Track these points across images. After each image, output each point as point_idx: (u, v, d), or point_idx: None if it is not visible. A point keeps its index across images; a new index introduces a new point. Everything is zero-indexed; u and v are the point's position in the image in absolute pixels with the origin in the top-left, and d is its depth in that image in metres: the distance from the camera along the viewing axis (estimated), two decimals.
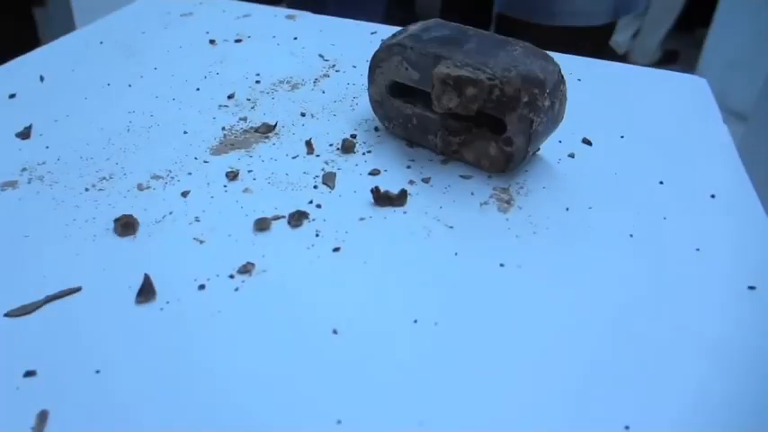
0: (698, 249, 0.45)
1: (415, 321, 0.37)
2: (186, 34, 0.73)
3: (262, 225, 0.44)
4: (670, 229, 0.47)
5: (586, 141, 0.57)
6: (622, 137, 0.58)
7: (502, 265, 0.42)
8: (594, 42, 1.29)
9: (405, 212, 0.46)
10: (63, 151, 0.52)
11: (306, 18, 0.79)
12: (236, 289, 0.39)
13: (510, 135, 0.49)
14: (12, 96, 0.60)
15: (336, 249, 0.42)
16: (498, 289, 0.40)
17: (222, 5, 0.82)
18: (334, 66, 0.68)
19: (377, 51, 0.53)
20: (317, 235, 0.44)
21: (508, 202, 0.48)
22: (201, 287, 0.39)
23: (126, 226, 0.42)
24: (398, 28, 0.78)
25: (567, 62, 0.52)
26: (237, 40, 0.72)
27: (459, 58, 0.48)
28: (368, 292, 0.39)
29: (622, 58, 2.65)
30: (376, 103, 0.55)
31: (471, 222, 0.46)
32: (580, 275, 0.42)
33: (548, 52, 0.51)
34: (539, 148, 0.53)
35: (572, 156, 0.55)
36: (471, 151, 0.52)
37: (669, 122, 0.60)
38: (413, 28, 0.54)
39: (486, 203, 0.48)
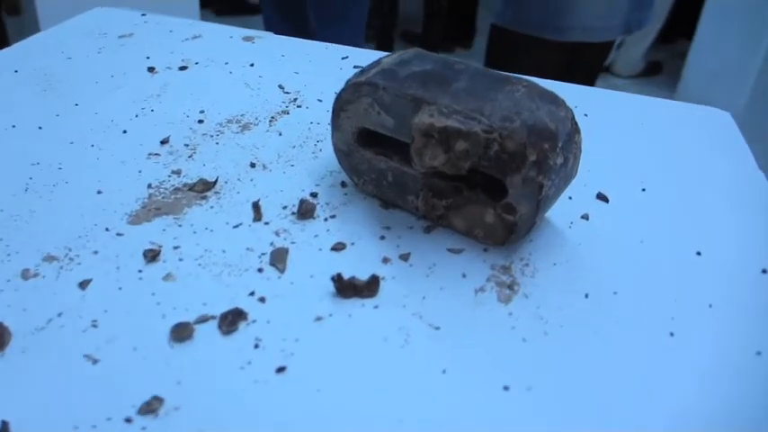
0: (759, 353, 0.35)
1: None
2: (121, 60, 0.61)
3: (181, 333, 0.32)
4: (719, 324, 0.37)
5: (602, 197, 0.47)
6: (644, 190, 0.48)
7: (506, 388, 0.31)
8: (594, 58, 1.22)
9: (376, 307, 0.35)
10: None
11: (266, 40, 0.68)
12: None
13: (511, 201, 0.38)
14: None
15: (281, 369, 0.31)
16: (503, 427, 0.29)
17: (170, 25, 0.70)
18: (295, 99, 0.56)
19: (341, 91, 0.42)
20: (256, 346, 0.32)
21: (511, 288, 0.37)
22: None
23: None
24: (375, 51, 0.68)
25: (571, 93, 0.42)
26: (182, 68, 0.61)
27: (446, 102, 0.37)
28: None
29: (606, 70, 2.60)
30: (341, 154, 0.44)
31: (463, 320, 0.35)
32: (607, 400, 0.31)
33: (551, 82, 0.41)
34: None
35: (586, 217, 0.44)
36: (461, 218, 0.41)
37: (695, 169, 0.51)
38: (387, 60, 0.43)
39: (482, 290, 0.37)
